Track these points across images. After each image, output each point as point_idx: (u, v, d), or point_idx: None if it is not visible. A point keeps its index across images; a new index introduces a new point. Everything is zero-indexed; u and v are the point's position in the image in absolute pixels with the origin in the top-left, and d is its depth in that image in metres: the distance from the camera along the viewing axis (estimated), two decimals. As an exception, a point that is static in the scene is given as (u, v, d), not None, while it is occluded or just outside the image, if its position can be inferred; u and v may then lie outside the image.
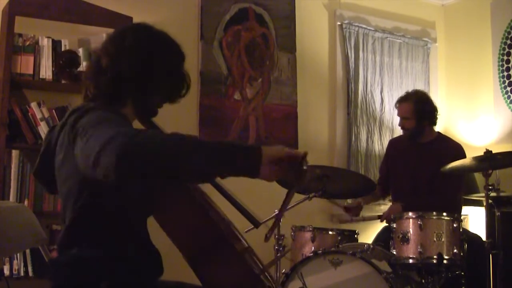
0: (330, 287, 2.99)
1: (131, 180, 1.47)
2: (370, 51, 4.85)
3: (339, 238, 3.28)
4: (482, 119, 4.89)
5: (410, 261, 3.05)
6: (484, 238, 3.25)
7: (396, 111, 3.91)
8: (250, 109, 4.28)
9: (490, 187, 3.18)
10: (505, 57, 4.71)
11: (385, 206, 4.51)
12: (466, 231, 3.33)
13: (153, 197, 1.66)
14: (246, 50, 4.30)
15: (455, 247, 3.04)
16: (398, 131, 3.99)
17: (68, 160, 1.61)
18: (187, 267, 1.66)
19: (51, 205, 3.28)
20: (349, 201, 4.50)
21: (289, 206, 3.04)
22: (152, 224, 1.66)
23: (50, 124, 3.28)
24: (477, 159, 3.23)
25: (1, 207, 2.29)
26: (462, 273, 3.20)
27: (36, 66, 3.34)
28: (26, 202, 3.23)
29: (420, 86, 5.02)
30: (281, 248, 3.28)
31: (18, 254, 3.18)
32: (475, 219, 4.54)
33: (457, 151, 3.73)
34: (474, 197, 4.11)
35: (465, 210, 4.22)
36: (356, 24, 4.79)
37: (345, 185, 3.48)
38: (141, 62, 1.70)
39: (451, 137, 4.11)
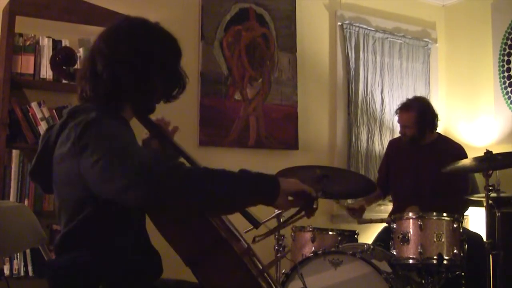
0: (330, 287, 2.99)
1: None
2: (370, 52, 4.85)
3: (339, 238, 3.28)
4: (483, 119, 4.89)
5: (410, 261, 3.05)
6: (484, 238, 3.25)
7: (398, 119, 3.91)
8: (250, 109, 4.28)
9: (490, 188, 3.18)
10: (506, 58, 4.71)
11: (385, 207, 4.52)
12: (466, 232, 3.33)
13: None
14: (247, 50, 4.30)
15: (455, 248, 3.04)
16: (398, 132, 3.99)
17: (70, 168, 1.59)
18: (187, 267, 1.66)
19: (51, 205, 3.27)
20: (350, 201, 4.51)
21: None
22: (151, 225, 1.66)
23: (50, 124, 3.27)
24: (478, 159, 3.23)
25: (1, 207, 2.29)
26: (462, 274, 3.20)
27: (37, 66, 3.35)
28: (26, 202, 3.24)
29: (420, 87, 5.02)
30: (281, 249, 3.28)
31: (18, 254, 3.18)
32: (475, 220, 4.54)
33: (459, 151, 3.74)
34: (474, 197, 4.11)
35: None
36: (356, 24, 4.79)
37: (345, 186, 3.48)
38: (138, 66, 1.67)
39: (451, 137, 4.12)
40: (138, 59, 1.68)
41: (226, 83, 4.21)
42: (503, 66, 4.73)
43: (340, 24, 4.76)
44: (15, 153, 3.27)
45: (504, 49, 4.73)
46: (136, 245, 1.70)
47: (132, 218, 1.69)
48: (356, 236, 3.45)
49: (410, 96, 4.08)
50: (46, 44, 3.37)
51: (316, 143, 4.59)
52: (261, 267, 1.74)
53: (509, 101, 4.67)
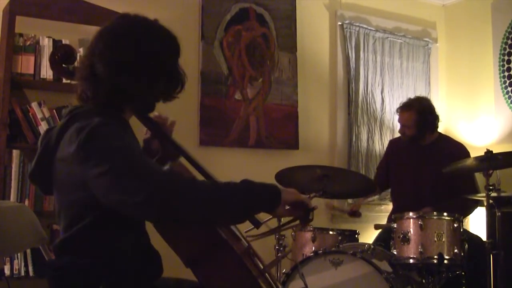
0: (330, 287, 2.99)
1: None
2: (370, 51, 4.85)
3: (340, 238, 3.28)
4: (483, 119, 4.88)
5: (411, 261, 3.05)
6: (484, 238, 3.25)
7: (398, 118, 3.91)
8: (250, 109, 4.28)
9: (490, 187, 3.18)
10: (506, 57, 4.71)
11: (386, 206, 4.52)
12: (466, 231, 3.33)
13: None
14: (247, 50, 4.30)
15: (455, 247, 3.04)
16: (399, 132, 3.99)
17: (72, 173, 1.58)
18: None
19: (52, 205, 3.27)
20: (350, 201, 4.52)
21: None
22: (151, 225, 1.65)
23: (50, 124, 3.28)
24: (478, 159, 3.23)
25: (2, 207, 2.28)
26: (463, 273, 3.20)
27: (37, 66, 3.35)
28: (26, 202, 3.24)
29: (420, 86, 5.02)
30: (281, 248, 3.28)
31: (18, 254, 3.18)
32: (475, 219, 4.54)
33: (460, 150, 3.74)
34: (475, 197, 4.10)
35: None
36: (356, 24, 4.79)
37: (345, 185, 3.48)
38: (138, 66, 1.66)
39: (452, 137, 4.11)
40: (137, 59, 1.66)
41: (226, 83, 4.20)
42: (503, 65, 4.73)
43: (340, 23, 4.76)
44: (15, 153, 3.27)
45: (504, 49, 4.73)
46: (136, 245, 1.70)
47: (132, 219, 1.69)
48: (356, 236, 3.46)
49: (410, 96, 4.08)
50: (46, 44, 3.37)
51: (316, 143, 4.59)
52: (262, 267, 1.74)
53: (509, 101, 4.67)
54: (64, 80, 3.28)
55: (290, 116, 4.42)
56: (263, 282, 1.65)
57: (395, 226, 3.17)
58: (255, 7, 4.36)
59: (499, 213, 3.75)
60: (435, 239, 3.02)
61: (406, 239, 3.07)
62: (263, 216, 1.83)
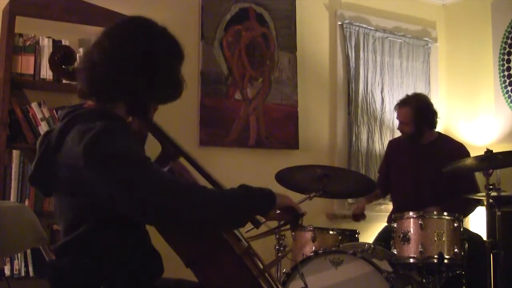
0: (330, 287, 2.99)
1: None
2: (370, 51, 4.85)
3: (340, 237, 3.28)
4: (483, 118, 4.88)
5: (411, 260, 3.05)
6: (484, 237, 3.25)
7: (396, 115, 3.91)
8: (250, 109, 4.28)
9: (490, 187, 3.18)
10: (506, 57, 4.71)
11: (386, 206, 4.52)
12: (466, 231, 3.33)
13: None
14: (247, 50, 4.30)
15: (455, 247, 3.04)
16: (399, 131, 3.99)
17: (75, 178, 1.58)
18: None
19: (52, 205, 3.27)
20: (350, 200, 4.52)
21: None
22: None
23: (50, 124, 3.28)
24: (478, 158, 3.23)
25: (2, 207, 2.28)
26: (463, 273, 3.19)
27: (37, 66, 3.35)
28: (26, 202, 3.24)
29: (420, 86, 5.02)
30: (281, 248, 3.28)
31: (18, 254, 3.18)
32: (476, 219, 4.54)
33: (460, 150, 3.74)
34: (475, 196, 4.11)
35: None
36: (356, 24, 4.79)
37: (345, 185, 3.48)
38: (137, 64, 1.66)
39: (451, 136, 4.11)
40: (138, 58, 1.66)
41: (226, 82, 4.20)
42: (503, 65, 4.73)
43: (340, 23, 4.76)
44: (15, 153, 3.27)
45: (504, 48, 4.73)
46: (137, 246, 1.70)
47: (133, 219, 1.69)
48: (356, 236, 3.45)
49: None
50: (46, 44, 3.37)
51: (316, 142, 4.59)
52: (262, 267, 1.74)
53: (509, 100, 4.67)
54: (64, 81, 3.28)
55: (290, 116, 4.42)
56: (263, 282, 1.65)
57: (395, 226, 3.17)
58: (255, 7, 4.36)
59: (499, 213, 3.75)
60: (435, 238, 3.02)
61: (406, 239, 3.07)
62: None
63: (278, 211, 1.76)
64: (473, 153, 3.57)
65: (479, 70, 4.94)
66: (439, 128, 3.94)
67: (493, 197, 3.32)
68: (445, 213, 3.12)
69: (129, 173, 1.52)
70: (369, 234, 4.14)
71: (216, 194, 1.65)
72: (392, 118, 4.81)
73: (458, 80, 5.18)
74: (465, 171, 3.55)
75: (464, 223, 3.17)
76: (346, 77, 4.74)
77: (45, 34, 3.41)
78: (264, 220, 1.78)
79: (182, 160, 1.93)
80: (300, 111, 4.45)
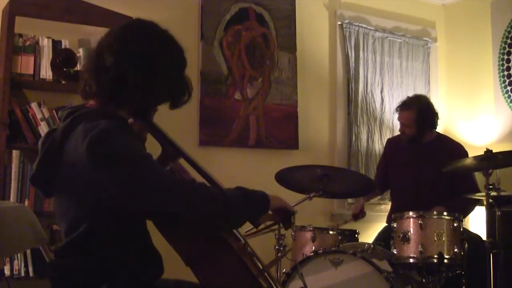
0: (330, 287, 2.99)
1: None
2: (370, 51, 4.85)
3: (340, 237, 3.28)
4: (483, 118, 4.88)
5: (411, 260, 3.05)
6: (484, 237, 3.25)
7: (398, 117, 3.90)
8: (250, 109, 4.28)
9: (490, 187, 3.18)
10: (506, 57, 4.71)
11: (385, 206, 4.52)
12: (466, 231, 3.33)
13: None
14: (247, 50, 4.30)
15: (455, 247, 3.04)
16: (398, 131, 3.99)
17: (79, 177, 1.58)
18: (187, 267, 1.66)
19: (52, 205, 3.27)
20: (350, 200, 4.52)
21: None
22: (151, 225, 1.66)
23: (50, 124, 3.28)
24: (478, 158, 3.23)
25: (2, 207, 2.28)
26: (463, 273, 3.19)
27: (37, 66, 3.35)
28: (26, 202, 3.24)
29: (420, 86, 5.02)
30: (281, 248, 3.28)
31: (18, 255, 3.18)
32: (475, 219, 4.54)
33: (459, 150, 3.74)
34: (475, 196, 4.11)
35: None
36: (356, 23, 4.79)
37: (345, 185, 3.48)
38: (146, 68, 1.67)
39: (451, 136, 4.11)
40: (146, 61, 1.67)
41: (226, 82, 4.20)
42: (503, 65, 4.73)
43: (340, 23, 4.76)
44: (15, 153, 3.27)
45: (504, 48, 4.73)
46: (137, 245, 1.70)
47: (133, 219, 1.70)
48: (356, 236, 3.46)
49: (410, 95, 4.07)
50: (46, 44, 3.37)
51: (316, 142, 4.59)
52: (261, 267, 1.75)
53: (509, 100, 4.67)
54: (60, 79, 3.28)
55: (289, 116, 4.42)
56: (263, 282, 1.65)
57: (395, 225, 3.17)
58: (255, 7, 4.36)
59: (499, 212, 3.75)
60: (435, 238, 3.02)
61: (406, 239, 3.07)
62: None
63: (270, 212, 1.79)
64: (472, 153, 3.57)
65: (479, 70, 4.94)
66: (439, 128, 3.93)
67: (493, 197, 3.32)
68: (445, 213, 3.12)
69: (130, 171, 1.54)
70: (369, 234, 4.14)
71: (216, 193, 1.66)
72: (392, 118, 4.81)
73: (458, 80, 5.18)
74: (465, 171, 3.55)
75: (463, 223, 3.17)
76: (346, 77, 4.74)
77: (45, 34, 3.40)
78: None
79: (182, 161, 1.93)
80: (300, 111, 4.45)
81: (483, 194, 3.23)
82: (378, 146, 4.79)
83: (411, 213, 3.12)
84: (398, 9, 5.07)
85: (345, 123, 4.72)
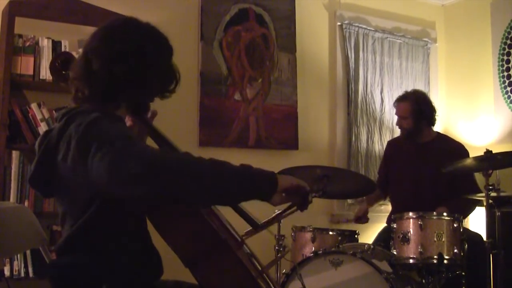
0: (330, 287, 2.99)
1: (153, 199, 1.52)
2: (370, 51, 4.85)
3: (340, 238, 3.28)
4: (482, 119, 4.89)
5: (411, 261, 3.05)
6: (484, 238, 3.25)
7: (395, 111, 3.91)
8: (250, 109, 4.28)
9: (490, 187, 3.18)
10: (505, 57, 4.71)
11: (385, 207, 4.52)
12: (466, 231, 3.33)
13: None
14: (246, 51, 4.30)
15: (455, 247, 3.04)
16: (398, 131, 3.99)
17: (77, 172, 1.57)
18: (186, 268, 1.66)
19: (52, 206, 3.28)
20: (349, 201, 4.51)
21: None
22: (151, 225, 1.66)
23: (50, 125, 3.28)
24: (477, 159, 3.23)
25: (1, 208, 2.28)
26: (463, 273, 3.19)
27: (36, 67, 3.34)
28: (26, 203, 3.24)
29: (420, 86, 5.02)
30: (281, 249, 3.28)
31: (18, 255, 3.18)
32: (475, 219, 4.54)
33: (460, 150, 3.74)
34: (474, 197, 4.12)
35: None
36: (356, 24, 4.80)
37: (345, 186, 3.47)
38: (135, 65, 1.68)
39: (451, 137, 4.11)
40: (133, 57, 1.68)
41: (226, 83, 4.21)
42: (502, 65, 4.73)
43: (339, 24, 4.76)
44: (15, 154, 3.27)
45: (504, 49, 4.73)
46: (137, 246, 1.70)
47: (133, 219, 1.70)
48: (356, 236, 3.45)
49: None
50: (45, 45, 3.37)
51: (316, 143, 4.59)
52: (260, 268, 1.74)
53: (508, 101, 4.67)
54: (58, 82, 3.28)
55: (289, 117, 4.42)
56: (262, 283, 1.65)
57: (394, 226, 3.17)
58: (255, 7, 4.36)
59: (499, 213, 3.76)
60: (435, 239, 3.02)
61: (406, 239, 3.07)
62: (262, 216, 1.84)
63: (283, 194, 1.64)
64: (472, 154, 3.57)
65: (478, 70, 4.94)
66: (439, 128, 3.94)
67: (493, 198, 3.33)
68: (445, 214, 3.12)
69: (111, 150, 1.46)
70: (368, 235, 4.14)
71: (207, 167, 1.56)
72: (391, 119, 4.81)
73: (457, 81, 5.18)
74: (465, 172, 3.55)
75: (463, 223, 3.17)
76: (345, 78, 4.74)
77: (44, 34, 3.40)
78: (263, 222, 1.78)
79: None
80: (299, 112, 4.46)
81: (483, 194, 3.23)
82: (378, 146, 4.79)
83: (411, 214, 3.12)
84: (397, 10, 5.07)
85: (345, 123, 4.72)
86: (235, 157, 4.18)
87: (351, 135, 4.71)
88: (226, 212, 1.84)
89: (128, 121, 1.84)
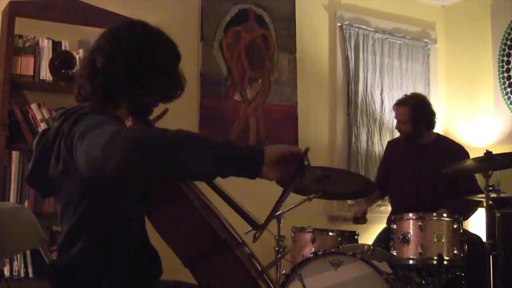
0: (330, 288, 2.99)
1: (133, 179, 1.46)
2: (370, 52, 4.85)
3: (339, 239, 3.28)
4: (482, 120, 4.88)
5: (411, 262, 3.05)
6: (484, 239, 3.25)
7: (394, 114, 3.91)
8: (250, 110, 4.28)
9: (490, 188, 3.18)
10: (505, 58, 4.71)
11: (385, 207, 4.52)
12: (466, 232, 3.33)
13: (151, 199, 1.65)
14: (246, 51, 4.30)
15: (455, 248, 3.04)
16: (398, 132, 3.99)
17: (68, 168, 1.57)
18: (186, 268, 1.66)
19: (51, 206, 3.28)
20: (349, 202, 4.51)
21: (290, 207, 3.02)
22: (151, 225, 1.66)
23: (50, 125, 3.27)
24: (477, 160, 3.23)
25: (1, 208, 2.29)
26: (463, 274, 3.19)
27: (36, 67, 3.35)
28: (26, 203, 3.24)
29: (420, 87, 5.02)
30: (281, 249, 3.28)
31: (18, 255, 3.18)
32: (475, 220, 4.54)
33: (460, 151, 3.73)
34: (474, 198, 4.11)
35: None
36: (356, 25, 4.80)
37: (345, 186, 3.48)
38: (137, 64, 1.68)
39: (451, 138, 4.11)
40: (137, 57, 1.68)
41: (226, 84, 4.21)
42: (502, 66, 4.73)
43: (339, 25, 4.76)
44: (15, 154, 3.28)
45: (504, 50, 4.73)
46: (136, 246, 1.70)
47: (132, 219, 1.70)
48: (356, 237, 3.45)
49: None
50: (46, 45, 3.37)
51: (316, 143, 4.59)
52: (260, 268, 1.74)
53: (508, 102, 4.67)
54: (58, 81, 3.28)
55: (289, 117, 4.42)
56: (262, 283, 1.65)
57: (394, 227, 3.17)
58: (255, 8, 4.36)
59: (499, 214, 3.75)
60: (435, 240, 3.03)
61: (405, 240, 3.07)
62: (261, 215, 1.83)
63: (277, 166, 1.50)
64: (472, 155, 3.57)
65: (478, 71, 4.94)
66: (439, 129, 3.94)
67: (493, 199, 3.33)
68: (445, 215, 3.12)
69: (91, 135, 1.43)
70: (368, 235, 4.13)
71: (183, 141, 1.42)
72: (391, 120, 4.81)
73: (457, 82, 5.18)
74: (465, 172, 3.55)
75: (463, 224, 3.17)
76: (345, 78, 4.74)
77: (44, 35, 3.41)
78: (263, 222, 1.78)
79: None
80: (299, 112, 4.46)
81: (483, 195, 3.23)
82: (378, 147, 4.79)
83: (410, 215, 3.12)
84: (397, 11, 5.07)
85: (345, 124, 4.72)
86: (235, 157, 4.21)
87: (351, 136, 4.70)
88: (226, 212, 1.84)
89: (128, 122, 1.84)
